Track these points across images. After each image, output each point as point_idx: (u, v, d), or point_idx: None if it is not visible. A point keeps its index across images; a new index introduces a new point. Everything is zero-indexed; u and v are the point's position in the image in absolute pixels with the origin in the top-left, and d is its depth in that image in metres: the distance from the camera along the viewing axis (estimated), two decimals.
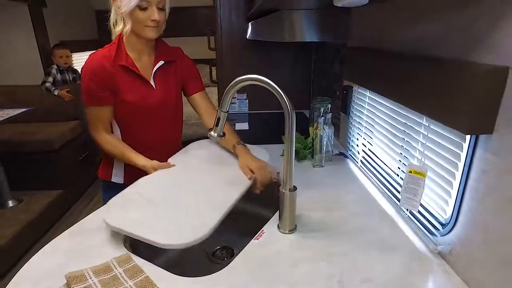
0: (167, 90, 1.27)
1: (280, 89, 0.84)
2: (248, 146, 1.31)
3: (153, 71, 1.23)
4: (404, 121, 1.01)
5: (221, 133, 0.97)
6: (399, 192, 1.06)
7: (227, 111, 0.95)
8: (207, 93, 1.39)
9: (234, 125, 2.00)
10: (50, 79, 3.17)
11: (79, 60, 4.00)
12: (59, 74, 3.25)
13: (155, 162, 1.17)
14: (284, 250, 0.88)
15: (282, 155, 1.52)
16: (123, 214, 0.93)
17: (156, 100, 1.24)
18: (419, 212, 0.93)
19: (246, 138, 1.77)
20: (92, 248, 0.87)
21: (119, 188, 1.22)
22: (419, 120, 0.91)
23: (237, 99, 2.26)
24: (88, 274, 0.74)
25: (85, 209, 2.98)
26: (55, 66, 3.24)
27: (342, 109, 1.56)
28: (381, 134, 1.19)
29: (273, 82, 0.85)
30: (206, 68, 4.99)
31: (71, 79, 3.37)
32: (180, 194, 1.04)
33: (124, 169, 1.29)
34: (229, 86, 0.90)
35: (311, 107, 1.54)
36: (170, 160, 1.24)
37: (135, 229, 0.84)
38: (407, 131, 0.99)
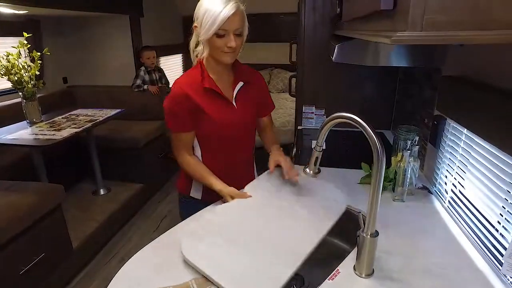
0: (247, 110, 1.31)
1: (374, 134, 0.80)
2: (327, 169, 1.30)
3: (235, 92, 1.28)
4: None
5: (316, 170, 1.00)
6: (496, 249, 0.94)
7: (322, 149, 0.96)
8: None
9: (311, 141, 1.97)
10: (139, 81, 3.49)
11: (166, 62, 4.35)
12: (146, 75, 3.56)
13: (232, 190, 1.21)
14: None
15: (360, 182, 1.46)
16: (198, 245, 0.96)
17: (237, 119, 1.28)
18: None
19: (322, 158, 1.75)
20: (173, 264, 0.94)
21: (196, 204, 1.30)
22: None
23: (315, 114, 2.23)
24: None
25: (162, 203, 3.24)
26: (143, 68, 3.54)
27: (431, 140, 1.44)
28: (478, 178, 1.07)
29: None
30: (284, 73, 5.09)
31: (157, 78, 3.68)
32: (258, 233, 1.04)
33: (203, 186, 1.34)
34: (324, 121, 0.90)
35: (395, 136, 1.45)
36: (247, 189, 1.28)
37: (209, 268, 0.87)
38: None
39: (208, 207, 1.24)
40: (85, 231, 2.38)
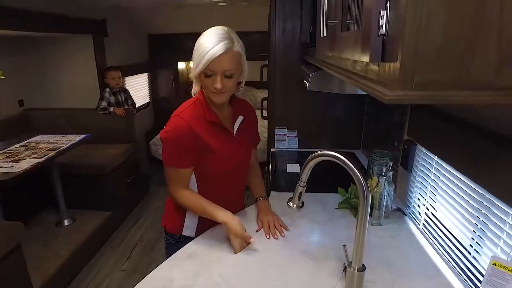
0: (246, 142, 1.31)
1: (359, 173, 0.82)
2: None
3: (237, 126, 1.26)
4: (484, 202, 0.95)
5: (300, 204, 1.01)
6: (472, 273, 0.99)
7: (305, 185, 0.97)
8: None
9: (286, 165, 2.00)
10: (104, 103, 3.36)
11: (130, 82, 4.23)
12: (112, 96, 3.44)
13: (238, 225, 1.13)
14: None
15: (338, 208, 1.49)
16: None
17: (239, 152, 1.27)
18: None
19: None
20: None
21: (187, 242, 1.22)
22: (508, 211, 0.86)
23: (287, 136, 2.27)
24: None
25: (131, 230, 3.10)
26: (107, 89, 3.42)
27: (402, 163, 1.51)
28: (449, 203, 1.13)
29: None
30: (251, 90, 5.13)
31: (123, 99, 3.56)
32: None
33: (198, 221, 1.28)
34: (308, 158, 0.92)
35: (369, 160, 1.51)
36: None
37: None
38: (487, 214, 0.93)
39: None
40: (48, 270, 2.20)
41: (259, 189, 1.42)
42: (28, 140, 2.70)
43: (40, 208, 2.99)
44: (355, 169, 0.82)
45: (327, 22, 0.92)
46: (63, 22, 2.95)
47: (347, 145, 2.28)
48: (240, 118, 1.28)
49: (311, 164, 0.93)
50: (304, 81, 1.57)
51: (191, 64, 1.16)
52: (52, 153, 2.36)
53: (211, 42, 1.04)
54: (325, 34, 0.93)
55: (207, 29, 1.10)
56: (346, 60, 0.87)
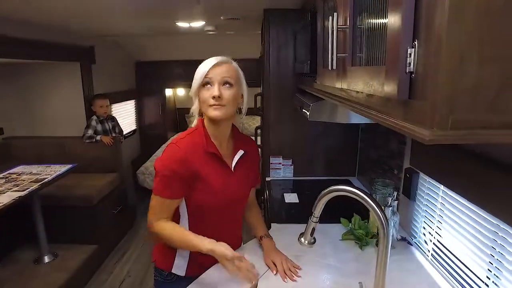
0: (244, 179, 1.23)
1: (378, 209, 0.79)
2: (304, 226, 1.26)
3: (236, 159, 1.20)
4: (499, 233, 0.94)
5: (312, 240, 0.97)
6: None
7: (318, 221, 0.93)
8: None
9: (283, 195, 1.96)
10: (90, 131, 3.26)
11: (117, 109, 4.16)
12: (99, 125, 3.35)
13: (224, 248, 1.02)
14: None
15: (342, 239, 1.45)
16: None
17: (236, 189, 1.20)
18: None
19: (297, 213, 1.73)
20: None
21: (178, 282, 1.15)
22: None
23: (282, 165, 2.24)
24: None
25: (119, 264, 2.93)
26: (94, 117, 3.33)
27: (404, 192, 1.50)
28: (461, 233, 1.11)
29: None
30: (241, 116, 5.14)
31: (110, 127, 3.47)
32: None
33: (189, 259, 1.20)
34: (322, 194, 0.89)
35: (372, 190, 1.49)
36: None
37: None
38: (503, 244, 0.92)
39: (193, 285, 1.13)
40: None
41: (260, 228, 1.35)
42: (8, 171, 2.56)
43: (17, 243, 2.79)
44: (374, 206, 0.80)
45: (336, 56, 0.92)
46: (51, 49, 2.89)
47: (342, 172, 2.28)
48: (241, 152, 1.21)
49: (325, 199, 0.90)
50: (303, 110, 1.56)
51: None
52: (35, 186, 2.23)
53: (208, 59, 1.11)
54: (334, 67, 0.92)
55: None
56: (359, 93, 0.86)
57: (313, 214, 0.95)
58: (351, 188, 0.85)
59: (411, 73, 0.59)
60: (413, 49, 0.57)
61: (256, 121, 5.21)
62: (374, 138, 1.95)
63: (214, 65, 1.08)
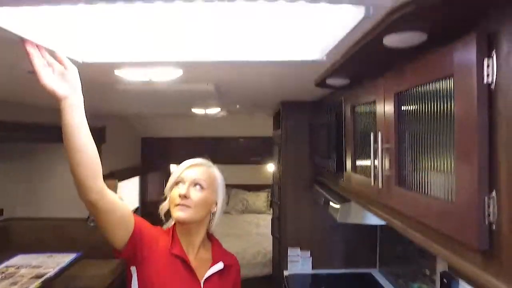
0: None
1: None
2: None
3: (210, 273, 1.07)
4: None
5: None
6: None
7: None
8: None
9: None
10: None
11: (122, 186, 4.10)
12: None
13: None
14: None
15: None
16: None
17: None
18: None
19: None
20: None
21: None
22: None
23: (300, 257, 2.14)
24: None
25: None
26: None
27: None
28: None
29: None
30: (243, 194, 5.09)
31: None
32: None
33: None
34: None
35: (397, 282, 1.39)
36: None
37: None
38: None
39: None
40: None
41: None
42: (5, 264, 2.35)
43: None
44: None
45: (383, 175, 0.91)
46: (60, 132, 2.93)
47: (362, 264, 2.17)
48: (220, 265, 1.09)
49: None
50: (329, 210, 1.53)
51: None
52: (36, 283, 2.03)
53: (186, 161, 1.11)
54: (380, 187, 0.92)
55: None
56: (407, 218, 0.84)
57: None
58: None
59: (490, 223, 0.57)
60: (491, 200, 0.57)
61: (260, 197, 5.14)
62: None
63: (190, 166, 1.09)
